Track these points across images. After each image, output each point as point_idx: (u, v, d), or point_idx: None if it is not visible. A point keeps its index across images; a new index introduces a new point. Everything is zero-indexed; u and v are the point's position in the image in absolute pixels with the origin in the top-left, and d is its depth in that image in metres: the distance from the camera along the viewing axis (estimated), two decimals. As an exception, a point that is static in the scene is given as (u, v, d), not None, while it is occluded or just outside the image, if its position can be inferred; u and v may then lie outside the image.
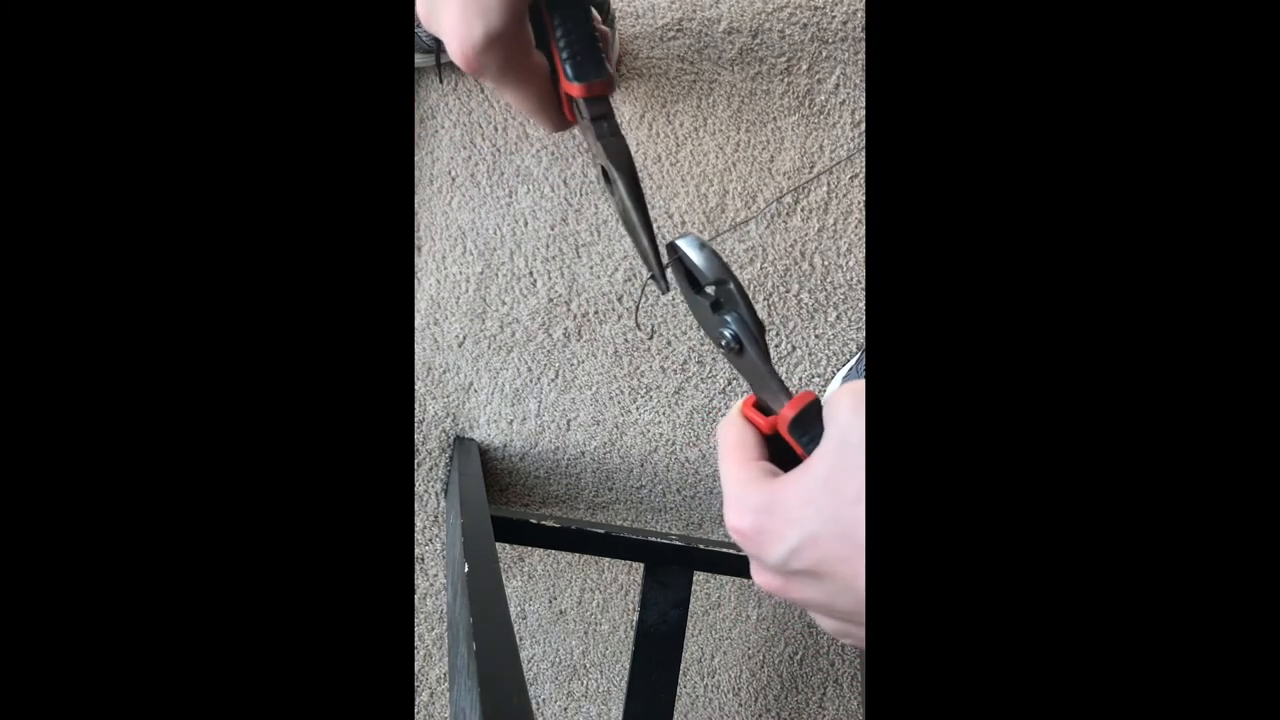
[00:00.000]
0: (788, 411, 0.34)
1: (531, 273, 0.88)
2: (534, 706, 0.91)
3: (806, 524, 0.29)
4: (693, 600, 0.86)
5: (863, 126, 0.88)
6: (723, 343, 0.36)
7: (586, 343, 0.88)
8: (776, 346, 0.91)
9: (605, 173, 0.39)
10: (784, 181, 0.88)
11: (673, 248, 0.37)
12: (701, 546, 0.80)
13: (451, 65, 0.82)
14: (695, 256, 0.36)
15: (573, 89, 0.38)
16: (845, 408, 0.30)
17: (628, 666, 0.82)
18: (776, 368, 0.90)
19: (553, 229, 0.89)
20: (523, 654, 0.91)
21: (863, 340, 0.92)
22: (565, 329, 0.88)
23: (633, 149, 0.90)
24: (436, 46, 0.82)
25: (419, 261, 0.88)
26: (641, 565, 0.81)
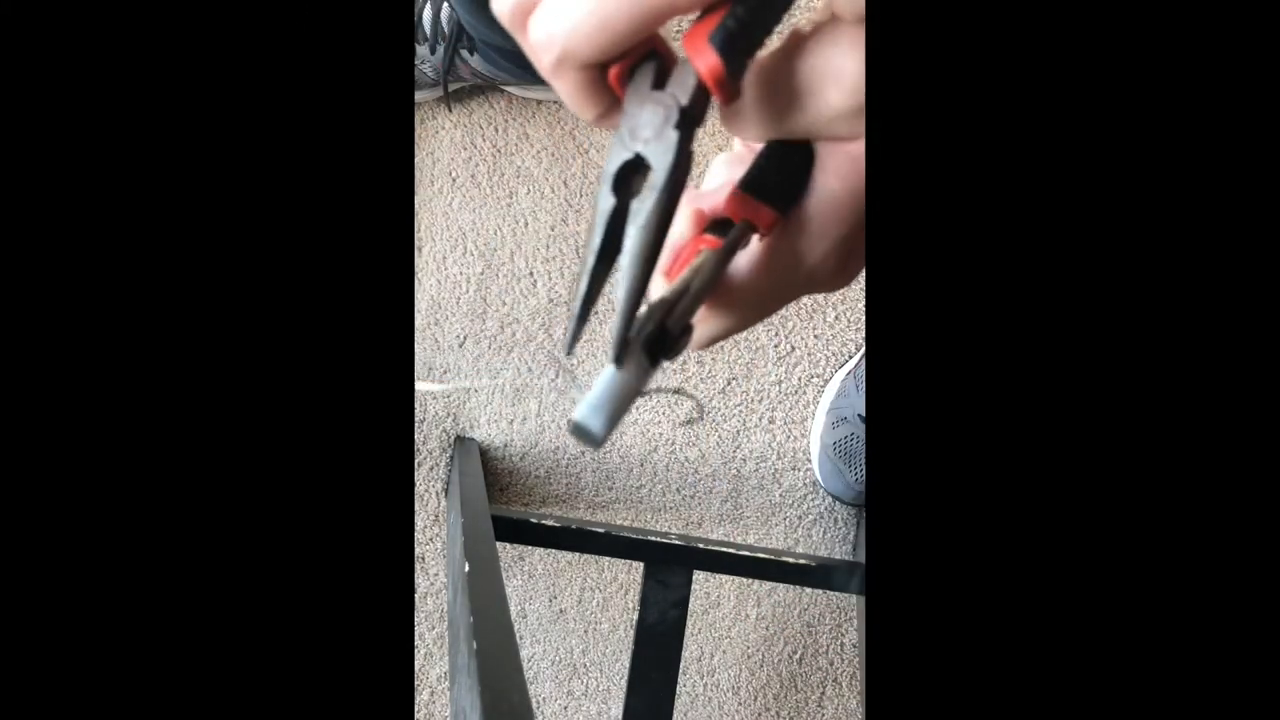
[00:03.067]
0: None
1: (532, 273, 0.89)
2: (534, 705, 0.91)
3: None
4: (692, 599, 0.86)
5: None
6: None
7: (586, 343, 0.88)
8: (776, 347, 0.91)
9: (630, 167, 0.25)
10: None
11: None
12: (701, 546, 0.81)
13: (459, 94, 0.82)
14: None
15: (706, 59, 0.24)
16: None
17: (627, 665, 0.82)
18: (775, 366, 0.90)
19: (553, 229, 0.89)
20: (523, 653, 0.92)
21: (862, 340, 0.92)
22: (566, 329, 0.88)
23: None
24: (443, 78, 0.82)
25: (419, 262, 0.88)
26: (641, 564, 0.81)
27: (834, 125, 0.26)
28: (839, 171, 0.26)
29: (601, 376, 0.25)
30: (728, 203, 0.28)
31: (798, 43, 0.26)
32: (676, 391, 0.30)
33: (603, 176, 0.26)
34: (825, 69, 0.25)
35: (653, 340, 0.26)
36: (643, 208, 0.25)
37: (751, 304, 0.29)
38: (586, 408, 0.25)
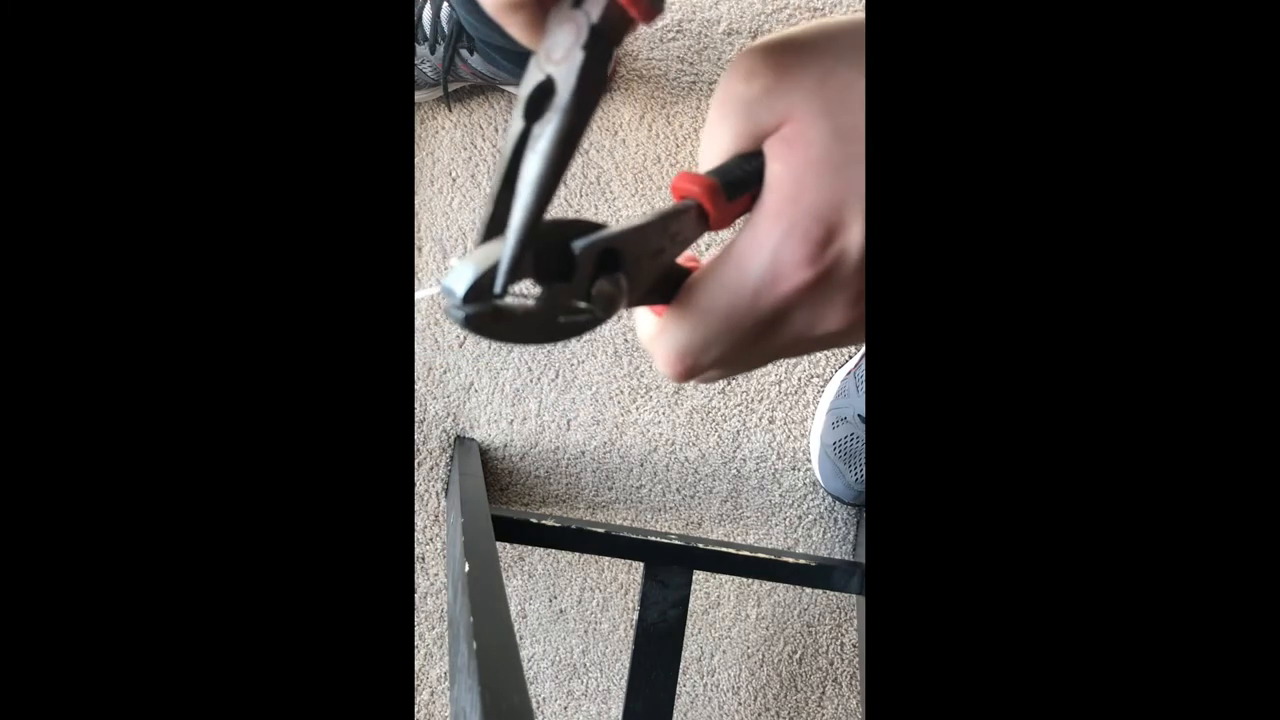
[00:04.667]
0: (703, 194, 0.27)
1: (531, 273, 0.89)
2: (534, 705, 0.91)
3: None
4: (692, 599, 0.86)
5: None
6: (605, 298, 0.26)
7: (586, 342, 0.88)
8: (776, 346, 0.91)
9: (542, 90, 0.24)
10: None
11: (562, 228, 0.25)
12: (701, 546, 0.81)
13: (459, 94, 0.82)
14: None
15: None
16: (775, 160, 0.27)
17: (628, 665, 0.82)
18: (775, 366, 0.90)
19: (553, 229, 0.89)
20: (523, 653, 0.92)
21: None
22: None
23: (632, 150, 0.90)
24: (443, 78, 0.82)
25: (419, 262, 0.88)
26: (641, 564, 0.81)
27: (754, 112, 0.27)
28: (778, 156, 0.27)
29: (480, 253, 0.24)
30: (673, 184, 0.28)
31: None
32: (580, 309, 0.28)
33: (516, 101, 0.25)
34: (735, 68, 0.27)
35: (547, 232, 0.24)
36: (544, 131, 0.24)
37: (711, 305, 0.27)
38: (453, 272, 0.24)
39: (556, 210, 0.89)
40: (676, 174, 0.28)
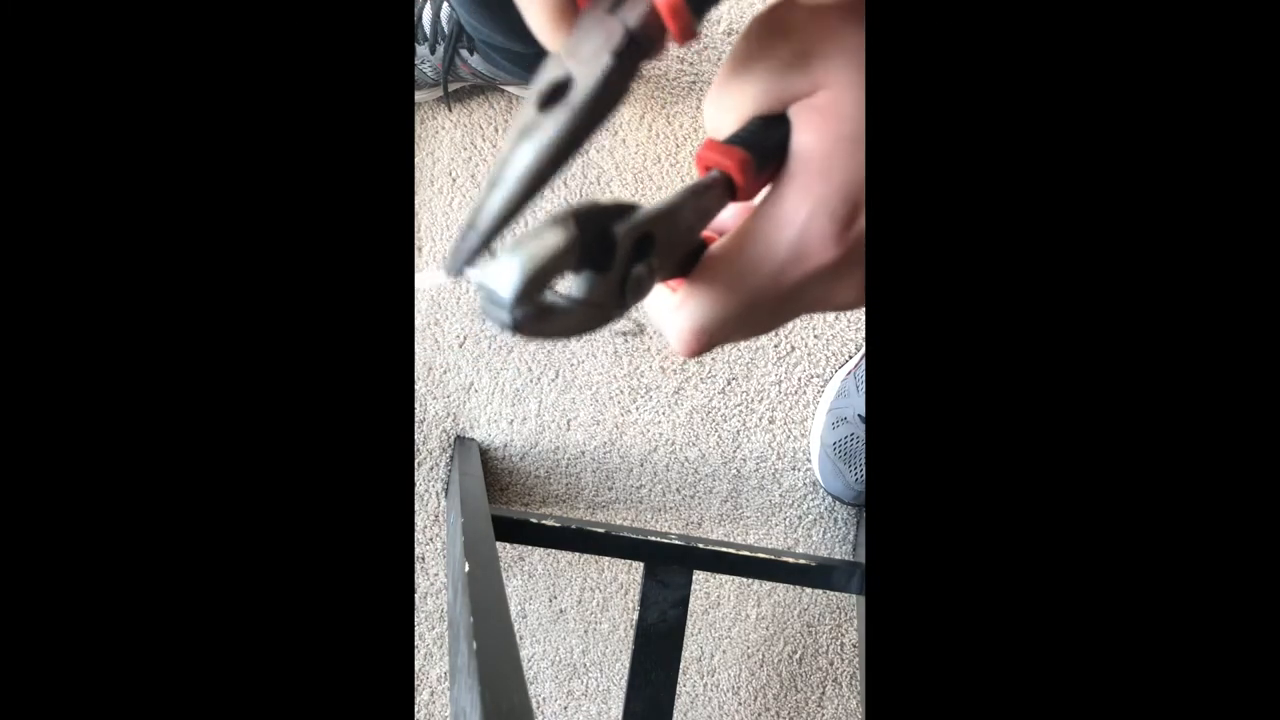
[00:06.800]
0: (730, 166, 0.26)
1: (532, 273, 0.89)
2: (534, 705, 0.91)
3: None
4: (692, 599, 0.86)
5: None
6: (644, 274, 0.25)
7: (586, 342, 0.88)
8: (776, 347, 0.91)
9: (560, 86, 0.23)
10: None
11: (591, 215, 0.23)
12: (701, 546, 0.81)
13: (459, 94, 0.82)
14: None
15: None
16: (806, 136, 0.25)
17: (628, 665, 0.82)
18: (775, 366, 0.90)
19: (553, 229, 0.89)
20: (523, 653, 0.92)
21: (862, 340, 0.92)
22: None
23: (632, 150, 0.90)
24: (443, 78, 0.82)
25: (419, 261, 0.88)
26: (641, 564, 0.81)
27: (787, 75, 0.25)
28: (809, 125, 0.26)
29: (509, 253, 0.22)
30: (699, 155, 0.26)
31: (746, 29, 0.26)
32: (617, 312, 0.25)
33: (530, 92, 0.23)
34: (769, 23, 0.25)
35: (589, 219, 0.22)
36: (547, 122, 0.22)
37: (734, 282, 0.26)
38: (493, 269, 0.21)
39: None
40: (702, 142, 0.26)
